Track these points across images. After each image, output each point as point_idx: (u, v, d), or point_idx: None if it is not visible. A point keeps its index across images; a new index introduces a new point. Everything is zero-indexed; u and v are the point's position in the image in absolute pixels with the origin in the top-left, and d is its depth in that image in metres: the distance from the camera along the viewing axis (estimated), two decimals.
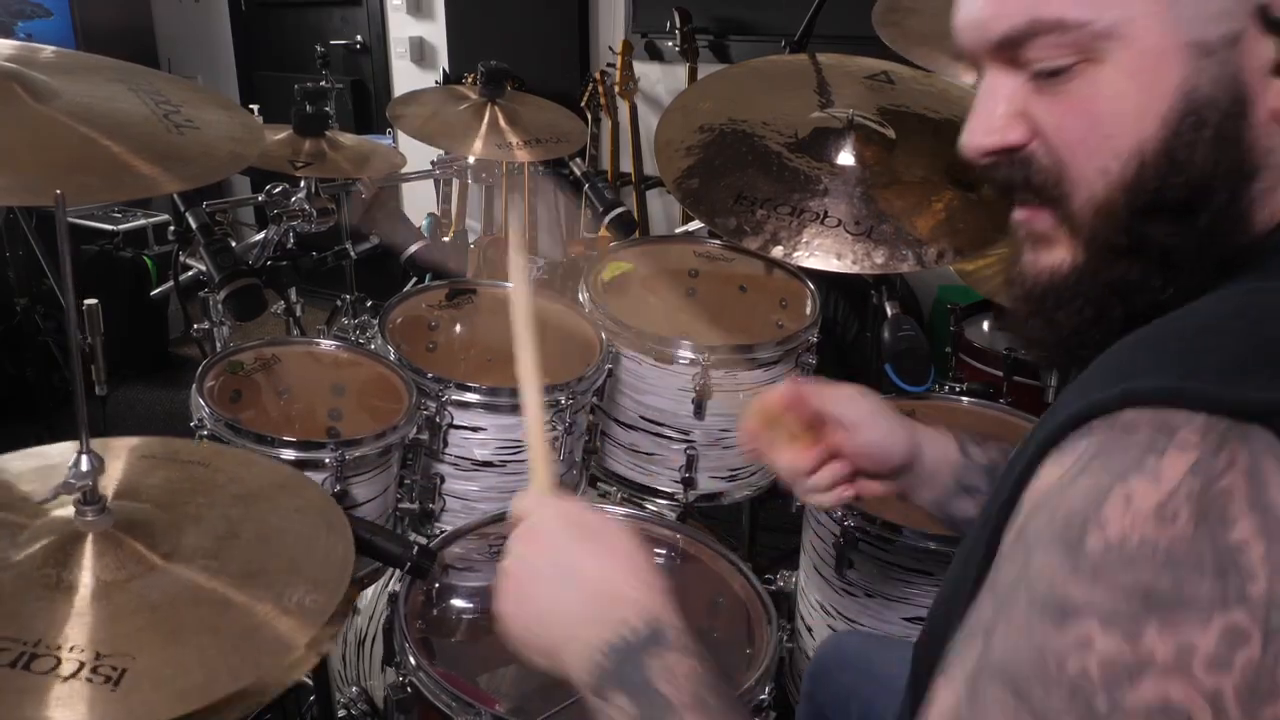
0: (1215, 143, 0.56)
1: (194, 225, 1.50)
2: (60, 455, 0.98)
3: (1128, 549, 0.44)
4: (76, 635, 0.78)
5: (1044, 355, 0.66)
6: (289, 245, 1.73)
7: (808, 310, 1.72)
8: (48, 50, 1.28)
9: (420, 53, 4.24)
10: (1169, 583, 0.42)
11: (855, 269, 1.49)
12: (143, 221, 4.02)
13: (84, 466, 0.87)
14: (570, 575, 0.68)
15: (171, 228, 1.59)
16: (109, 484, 0.96)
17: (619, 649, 0.63)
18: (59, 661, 0.75)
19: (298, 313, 1.86)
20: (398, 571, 1.20)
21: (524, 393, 0.84)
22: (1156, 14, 0.55)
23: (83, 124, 1.10)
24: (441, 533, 1.41)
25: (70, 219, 0.88)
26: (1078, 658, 0.44)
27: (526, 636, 0.69)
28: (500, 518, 1.41)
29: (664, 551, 1.40)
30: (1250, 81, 0.56)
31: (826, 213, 1.53)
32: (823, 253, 1.49)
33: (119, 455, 1.02)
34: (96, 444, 1.01)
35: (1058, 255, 0.63)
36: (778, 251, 1.51)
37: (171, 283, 1.63)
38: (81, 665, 0.75)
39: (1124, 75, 0.57)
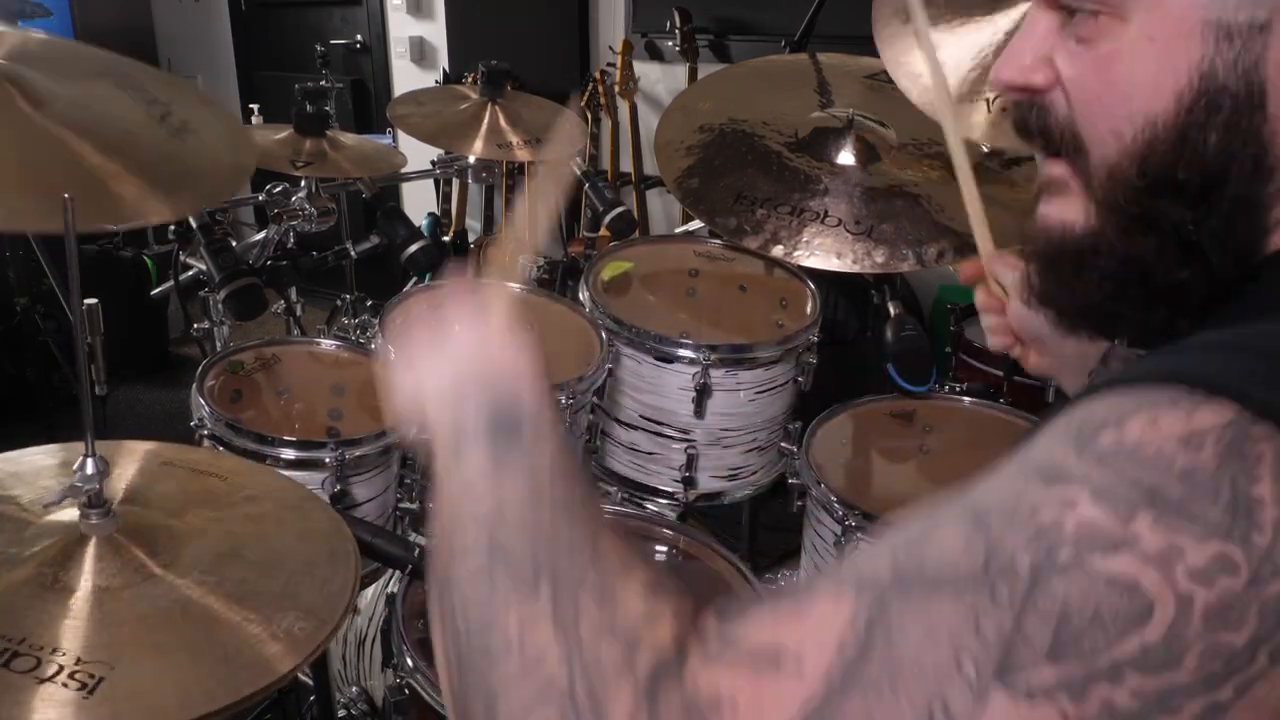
0: (1228, 130, 0.55)
1: (194, 225, 1.50)
2: (75, 455, 0.98)
3: (1143, 453, 0.42)
4: (62, 638, 0.78)
5: (1067, 323, 0.64)
6: (289, 245, 1.73)
7: (808, 310, 1.72)
8: (39, 38, 1.26)
9: (420, 53, 4.24)
10: (1178, 492, 0.41)
11: (855, 268, 1.49)
12: (143, 221, 4.02)
13: (89, 470, 0.87)
14: (476, 341, 0.67)
15: (171, 227, 1.59)
16: (118, 488, 0.95)
17: (501, 418, 0.62)
18: (39, 662, 0.75)
19: (298, 313, 1.86)
20: (398, 572, 1.20)
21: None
22: None
23: (81, 136, 1.07)
24: None
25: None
26: (1054, 511, 0.42)
27: (406, 396, 0.69)
28: None
29: (664, 551, 1.40)
30: (1270, 75, 0.54)
31: (827, 212, 1.53)
32: (823, 252, 1.49)
33: (134, 459, 1.01)
34: (110, 446, 1.01)
35: (1071, 210, 0.62)
36: (778, 251, 1.51)
37: (171, 282, 1.62)
38: (60, 669, 0.75)
39: (1145, 40, 0.56)
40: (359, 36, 4.36)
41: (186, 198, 1.12)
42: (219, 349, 1.58)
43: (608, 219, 1.89)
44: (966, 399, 1.64)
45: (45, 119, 1.08)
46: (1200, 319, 0.58)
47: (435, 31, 4.18)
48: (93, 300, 1.48)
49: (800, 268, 1.67)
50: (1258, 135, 0.55)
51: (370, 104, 4.39)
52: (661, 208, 3.78)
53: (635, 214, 2.83)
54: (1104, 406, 0.45)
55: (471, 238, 3.94)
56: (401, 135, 2.80)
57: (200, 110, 1.26)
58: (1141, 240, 0.58)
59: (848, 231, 1.50)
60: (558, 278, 2.15)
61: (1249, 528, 0.41)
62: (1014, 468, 0.46)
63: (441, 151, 2.03)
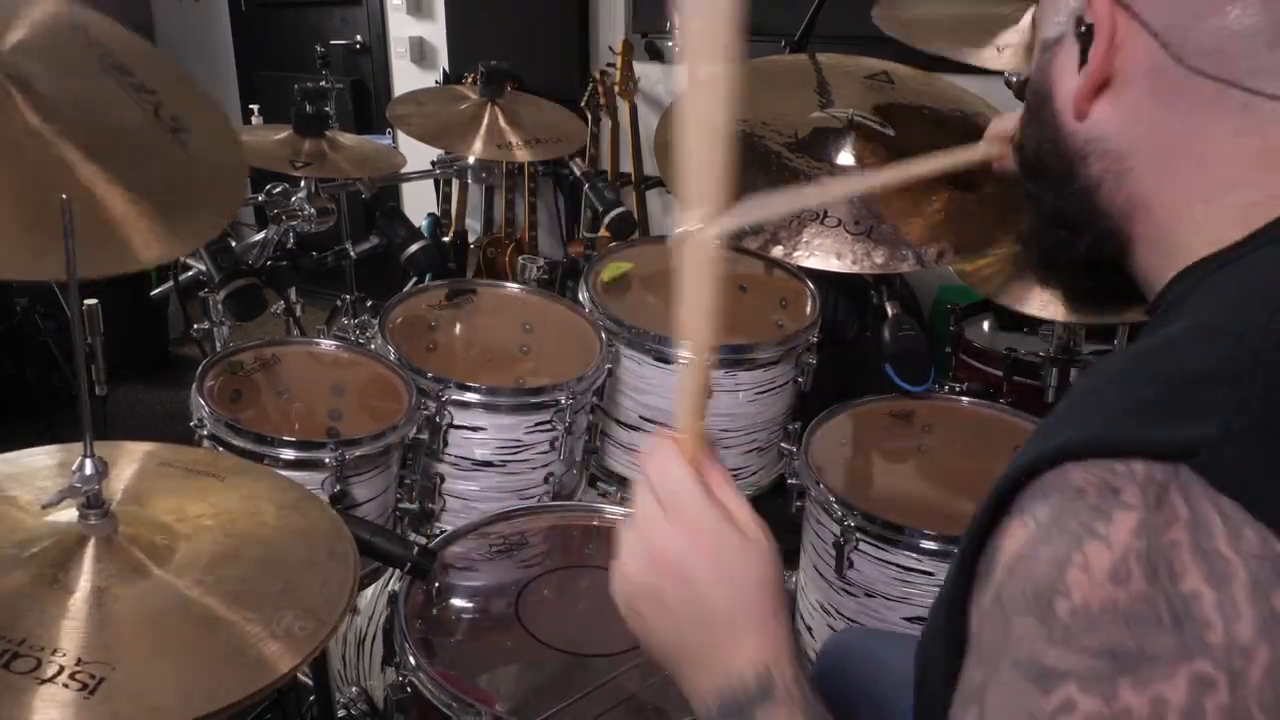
0: (1038, 119, 0.68)
1: None
2: (75, 455, 0.97)
3: (1091, 612, 0.45)
4: (62, 639, 0.78)
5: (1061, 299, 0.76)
6: (289, 245, 1.73)
7: (808, 310, 1.72)
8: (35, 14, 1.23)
9: (420, 53, 4.24)
10: (1132, 640, 0.44)
11: (855, 269, 1.49)
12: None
13: (88, 471, 0.87)
14: (683, 608, 0.66)
15: None
16: (118, 488, 0.95)
17: (729, 704, 0.63)
18: (39, 663, 0.75)
19: (298, 313, 1.86)
20: (398, 571, 1.20)
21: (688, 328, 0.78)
22: (1049, 9, 0.67)
23: (83, 156, 1.05)
24: (441, 533, 1.41)
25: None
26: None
27: (643, 639, 0.69)
28: (501, 518, 1.41)
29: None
30: (1054, 78, 0.66)
31: (826, 212, 1.53)
32: (823, 253, 1.49)
33: (133, 459, 1.01)
34: (110, 447, 1.01)
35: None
36: (777, 251, 1.51)
37: (171, 283, 1.63)
38: (61, 670, 0.75)
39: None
40: (359, 37, 4.36)
41: (190, 229, 1.11)
42: (219, 349, 1.58)
43: (607, 219, 1.89)
44: (965, 399, 1.64)
45: (45, 127, 1.06)
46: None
47: (435, 31, 4.18)
48: (93, 300, 1.48)
49: (800, 268, 1.68)
50: (1051, 125, 0.67)
51: (370, 104, 4.39)
52: (661, 208, 3.78)
53: (635, 214, 2.83)
54: (1044, 565, 0.48)
55: (471, 238, 3.93)
56: (401, 135, 2.80)
57: (187, 97, 1.25)
58: (1037, 220, 0.72)
59: (847, 232, 1.50)
60: (558, 278, 2.15)
61: (1199, 631, 0.43)
62: (1009, 669, 0.48)
63: (441, 152, 2.03)
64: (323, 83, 3.83)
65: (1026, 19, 1.56)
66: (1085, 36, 0.62)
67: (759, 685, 0.63)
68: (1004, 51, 1.46)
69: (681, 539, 0.67)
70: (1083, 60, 0.63)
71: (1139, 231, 0.64)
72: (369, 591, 1.64)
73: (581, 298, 1.70)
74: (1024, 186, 0.73)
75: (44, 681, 0.74)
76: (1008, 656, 0.48)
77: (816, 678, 1.22)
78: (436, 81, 4.05)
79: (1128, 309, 0.71)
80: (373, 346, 1.59)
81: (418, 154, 2.13)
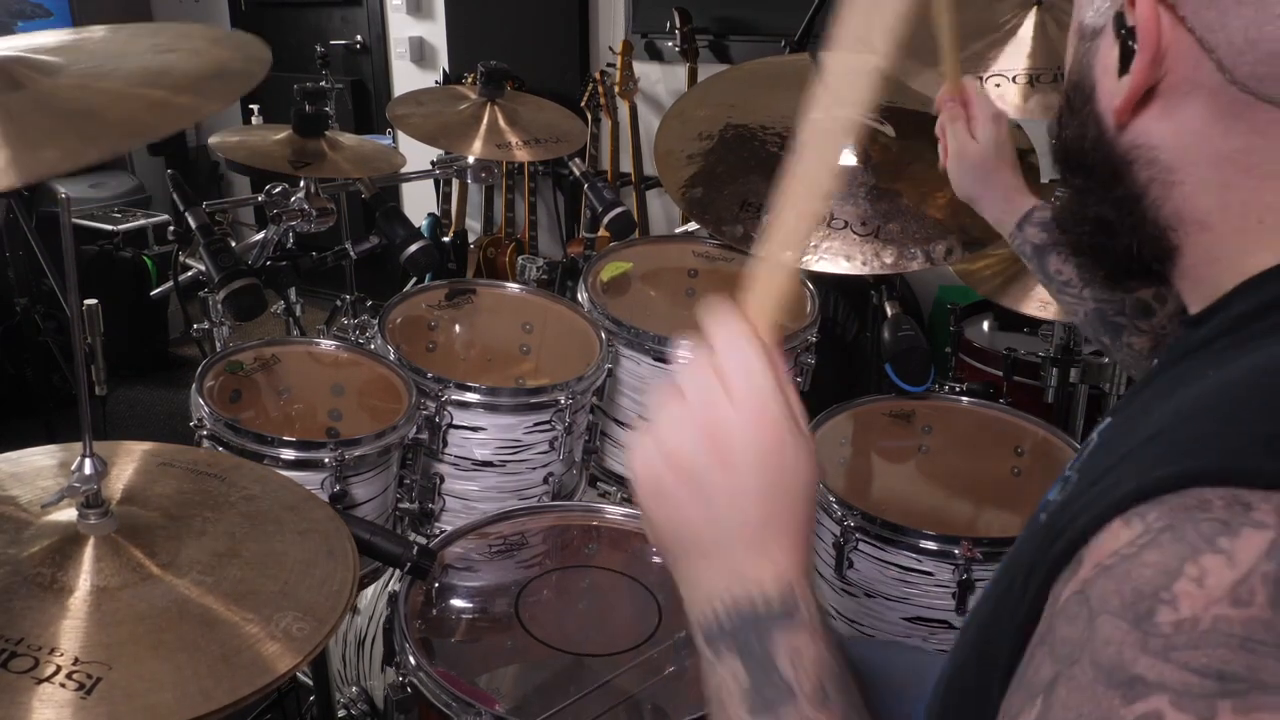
0: (1079, 117, 0.64)
1: (194, 225, 1.50)
2: (74, 455, 0.97)
3: (1200, 628, 0.43)
4: (61, 638, 0.78)
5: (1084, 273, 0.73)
6: (289, 245, 1.73)
7: (807, 310, 1.72)
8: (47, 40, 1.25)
9: (420, 53, 4.24)
10: (1244, 665, 0.41)
11: (865, 270, 1.49)
12: (143, 221, 4.03)
13: (88, 470, 0.87)
14: (723, 497, 0.60)
15: (171, 228, 1.59)
16: (117, 488, 0.95)
17: (745, 614, 0.58)
18: (37, 663, 0.75)
19: (298, 313, 1.86)
20: (398, 571, 1.20)
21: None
22: None
23: (91, 89, 1.04)
24: (441, 533, 1.41)
25: (72, 219, 0.87)
26: None
27: (654, 523, 0.63)
28: (501, 518, 1.41)
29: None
30: (1097, 77, 0.62)
31: (832, 215, 1.54)
32: (832, 255, 1.49)
33: (132, 459, 1.01)
34: (109, 446, 1.01)
35: None
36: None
37: (171, 283, 1.62)
38: (58, 669, 0.75)
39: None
40: (359, 37, 4.36)
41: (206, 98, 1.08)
42: (219, 349, 1.58)
43: (607, 219, 1.89)
44: (965, 399, 1.64)
45: (60, 82, 1.05)
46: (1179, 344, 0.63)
47: (435, 31, 4.18)
48: (92, 300, 1.48)
49: (800, 268, 1.68)
50: (1094, 122, 0.63)
51: (370, 104, 4.39)
52: (661, 208, 3.78)
53: (635, 214, 2.83)
54: (1150, 569, 0.45)
55: (471, 238, 3.94)
56: (401, 135, 2.80)
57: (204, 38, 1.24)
58: (1079, 203, 0.67)
59: (854, 233, 1.50)
60: (557, 278, 2.15)
61: None
62: (1089, 668, 0.45)
63: (441, 152, 2.03)
64: (323, 83, 3.83)
65: (1028, 25, 1.55)
66: (1127, 38, 0.58)
67: (782, 603, 0.59)
68: (1002, 85, 1.43)
69: (745, 424, 0.60)
70: (1123, 68, 0.58)
71: (1189, 244, 0.61)
72: (369, 591, 1.64)
73: (581, 298, 1.70)
74: (1065, 180, 0.68)
75: (41, 681, 0.74)
76: (1087, 656, 0.45)
77: None
78: (436, 81, 4.05)
79: (1143, 289, 0.70)
80: (373, 346, 1.59)
81: (418, 154, 2.13)
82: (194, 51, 1.16)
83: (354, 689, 1.58)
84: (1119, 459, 0.52)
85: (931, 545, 1.29)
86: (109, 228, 3.93)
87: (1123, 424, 0.61)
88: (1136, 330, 1.12)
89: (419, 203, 4.19)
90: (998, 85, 1.41)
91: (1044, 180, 1.67)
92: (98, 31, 1.25)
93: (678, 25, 3.31)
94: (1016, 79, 1.44)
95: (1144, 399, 0.62)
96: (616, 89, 3.51)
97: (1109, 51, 0.60)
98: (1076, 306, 1.17)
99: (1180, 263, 0.62)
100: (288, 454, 1.32)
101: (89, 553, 0.85)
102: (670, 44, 3.39)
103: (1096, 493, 0.51)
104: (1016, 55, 1.47)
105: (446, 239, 3.84)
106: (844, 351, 2.82)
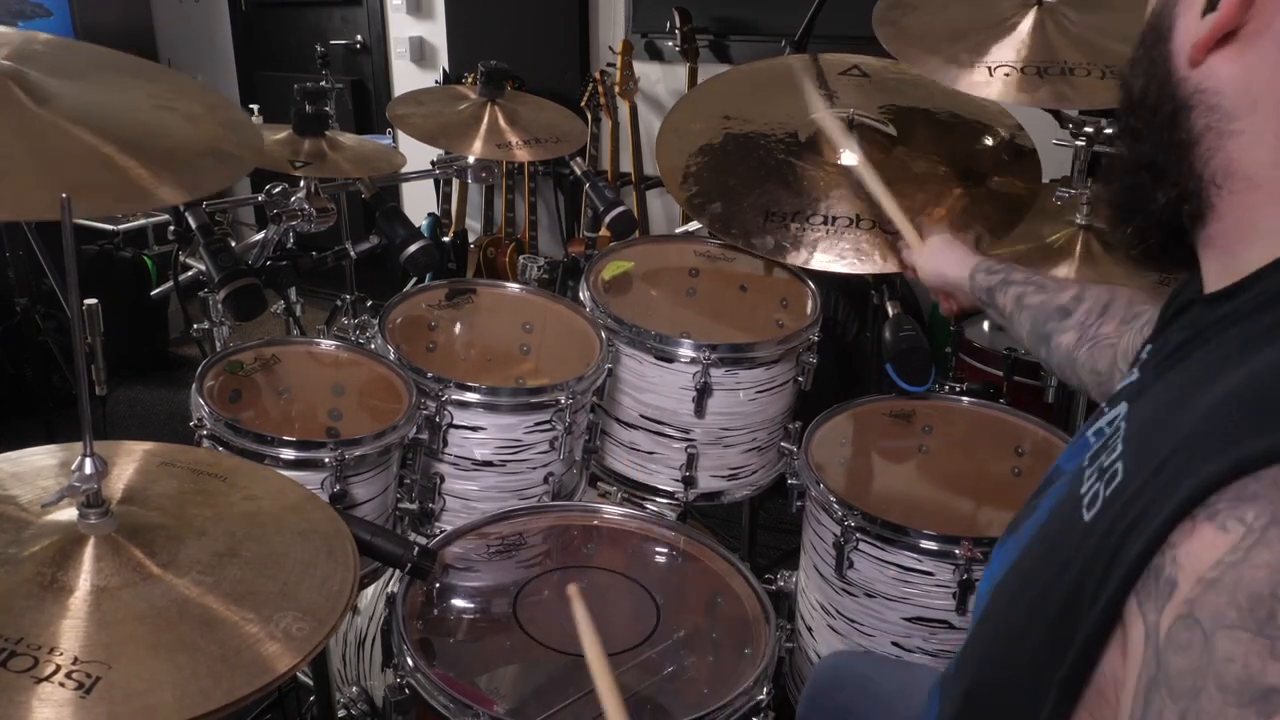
0: (1151, 55, 0.64)
1: (194, 225, 1.50)
2: (74, 455, 0.97)
3: None
4: (60, 638, 0.78)
5: (1112, 227, 0.72)
6: (289, 245, 1.73)
7: (808, 309, 1.72)
8: (42, 38, 1.26)
9: (420, 53, 4.24)
10: None
11: (888, 268, 1.54)
12: (143, 221, 4.03)
13: (88, 470, 0.87)
14: None
15: (171, 228, 1.59)
16: (118, 488, 0.95)
17: None
18: (36, 662, 0.75)
19: (298, 313, 1.86)
20: (398, 571, 1.20)
21: None
22: None
23: (82, 129, 1.07)
24: (441, 533, 1.41)
25: (72, 219, 0.87)
26: None
27: None
28: (500, 518, 1.41)
29: (664, 551, 1.40)
30: (1179, 13, 0.61)
31: (859, 216, 1.55)
32: (861, 255, 1.52)
33: (132, 459, 1.01)
34: (109, 446, 1.01)
35: None
36: (823, 262, 1.54)
37: (171, 283, 1.62)
38: (58, 669, 0.75)
39: None
40: (359, 36, 4.36)
41: (194, 179, 1.10)
42: (219, 349, 1.58)
43: (608, 219, 1.89)
44: (965, 399, 1.64)
45: (51, 114, 1.07)
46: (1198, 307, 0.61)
47: (435, 31, 4.18)
48: (92, 300, 1.48)
49: (800, 268, 1.68)
50: (1162, 63, 0.62)
51: (370, 104, 4.39)
52: (661, 208, 3.78)
53: (635, 214, 2.83)
54: (1263, 570, 0.43)
55: (471, 238, 3.94)
56: (401, 135, 2.80)
57: (200, 102, 1.26)
58: (1134, 147, 0.66)
59: (886, 231, 1.53)
60: (558, 278, 2.15)
61: None
62: (1215, 693, 0.43)
63: (441, 152, 2.03)
64: (323, 83, 3.83)
65: (1027, 22, 1.56)
66: None
67: None
68: (995, 73, 1.47)
69: None
70: (1210, 5, 0.58)
71: (1228, 204, 0.60)
72: (369, 591, 1.64)
73: (583, 297, 1.70)
74: (1123, 120, 0.68)
75: (41, 680, 0.73)
76: (1210, 681, 0.43)
77: (808, 700, 1.22)
78: (436, 81, 4.06)
79: (1179, 270, 0.68)
80: (373, 346, 1.59)
81: (418, 154, 2.13)
82: (189, 116, 1.17)
83: (354, 689, 1.58)
84: (1179, 446, 0.50)
85: (932, 545, 1.29)
86: (109, 227, 3.93)
87: (1159, 409, 0.59)
88: (1060, 330, 1.19)
89: (419, 203, 4.19)
90: (1007, 75, 1.47)
91: (1045, 180, 1.68)
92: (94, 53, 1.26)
93: (678, 25, 3.31)
94: (1023, 70, 1.47)
95: (1172, 381, 0.60)
96: (616, 89, 3.51)
97: None
98: (1020, 328, 1.27)
99: (1214, 225, 0.61)
100: (288, 454, 1.31)
101: (89, 552, 0.85)
102: (670, 44, 3.39)
103: (1164, 481, 0.48)
104: (1018, 49, 1.51)
105: (446, 239, 3.84)
106: (844, 351, 2.82)
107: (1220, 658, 0.43)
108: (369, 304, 2.06)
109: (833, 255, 1.55)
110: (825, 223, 1.57)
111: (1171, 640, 0.45)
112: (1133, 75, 0.66)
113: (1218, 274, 0.62)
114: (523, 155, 1.87)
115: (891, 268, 1.54)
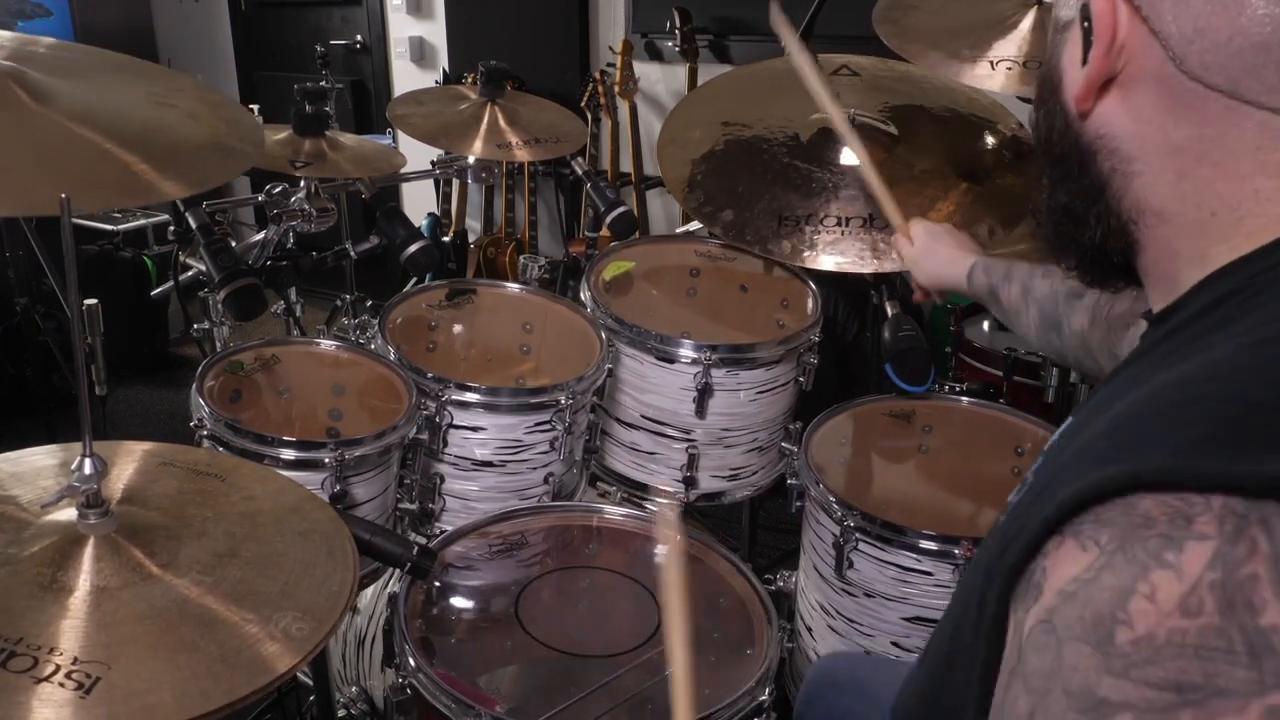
0: (1048, 106, 0.67)
1: (194, 225, 1.50)
2: (74, 455, 0.97)
3: (1156, 643, 0.43)
4: (60, 638, 0.77)
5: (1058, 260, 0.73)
6: (289, 245, 1.73)
7: (809, 310, 1.72)
8: (45, 43, 1.27)
9: (420, 53, 4.24)
10: (1200, 673, 0.42)
11: (899, 266, 1.52)
12: (143, 221, 4.03)
13: (87, 470, 0.87)
14: None
15: (171, 228, 1.59)
16: (117, 488, 0.95)
17: None
18: (36, 662, 0.75)
19: (298, 313, 1.86)
20: (398, 571, 1.20)
21: None
22: None
23: (83, 126, 1.08)
24: (441, 532, 1.41)
25: (72, 219, 0.87)
26: None
27: None
28: (501, 518, 1.41)
29: (664, 551, 1.40)
30: (1064, 67, 0.64)
31: (872, 216, 1.54)
32: (880, 255, 1.53)
33: (132, 459, 1.01)
34: (109, 446, 1.01)
35: None
36: (837, 263, 1.54)
37: (171, 283, 1.62)
38: (57, 669, 0.75)
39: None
40: (359, 36, 4.36)
41: (197, 173, 1.11)
42: (219, 349, 1.58)
43: (609, 219, 1.89)
44: (965, 399, 1.64)
45: (51, 112, 1.08)
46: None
47: (435, 31, 4.18)
48: (92, 300, 1.48)
49: (801, 268, 1.68)
50: (1060, 113, 0.64)
51: (370, 104, 4.39)
52: (661, 208, 3.78)
53: (636, 214, 2.83)
54: (1106, 593, 0.46)
55: (471, 238, 3.94)
56: (401, 135, 2.80)
57: (201, 99, 1.26)
58: (1051, 191, 0.69)
59: (866, 230, 1.53)
60: (558, 278, 2.15)
61: (1276, 664, 0.41)
62: (1060, 699, 0.46)
63: (441, 152, 2.03)
64: (323, 83, 3.83)
65: (1027, 21, 1.56)
66: (1088, 29, 0.60)
67: None
68: (998, 67, 1.48)
69: None
70: (1085, 58, 0.60)
71: (1149, 237, 0.62)
72: (369, 591, 1.64)
73: (584, 296, 1.70)
74: (1043, 169, 0.70)
75: (40, 680, 0.73)
76: (1058, 685, 0.46)
77: (804, 701, 1.22)
78: (436, 81, 4.06)
79: (1121, 287, 0.70)
80: (373, 346, 1.59)
81: (418, 154, 2.13)
82: (190, 114, 1.18)
83: (354, 689, 1.58)
84: (1071, 460, 0.53)
85: (931, 545, 1.29)
86: (109, 228, 3.93)
87: (1079, 425, 0.62)
88: (1073, 313, 1.18)
89: (419, 203, 4.19)
90: (1009, 69, 1.48)
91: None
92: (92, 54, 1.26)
93: (678, 25, 3.31)
94: (1025, 65, 1.49)
95: (1101, 397, 0.63)
96: (616, 89, 3.51)
97: (1075, 43, 0.62)
98: (1028, 321, 1.26)
99: (1144, 257, 0.64)
100: (288, 454, 1.31)
101: (89, 553, 0.85)
102: (670, 44, 3.39)
103: (1045, 498, 0.51)
104: (1019, 46, 1.52)
105: (446, 239, 3.84)
106: (844, 351, 2.82)
107: (1067, 665, 0.46)
108: (369, 304, 2.06)
109: (851, 257, 1.55)
110: (840, 224, 1.57)
111: (1032, 640, 0.49)
112: (1039, 125, 0.69)
113: (1161, 295, 0.64)
114: (523, 155, 1.87)
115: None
